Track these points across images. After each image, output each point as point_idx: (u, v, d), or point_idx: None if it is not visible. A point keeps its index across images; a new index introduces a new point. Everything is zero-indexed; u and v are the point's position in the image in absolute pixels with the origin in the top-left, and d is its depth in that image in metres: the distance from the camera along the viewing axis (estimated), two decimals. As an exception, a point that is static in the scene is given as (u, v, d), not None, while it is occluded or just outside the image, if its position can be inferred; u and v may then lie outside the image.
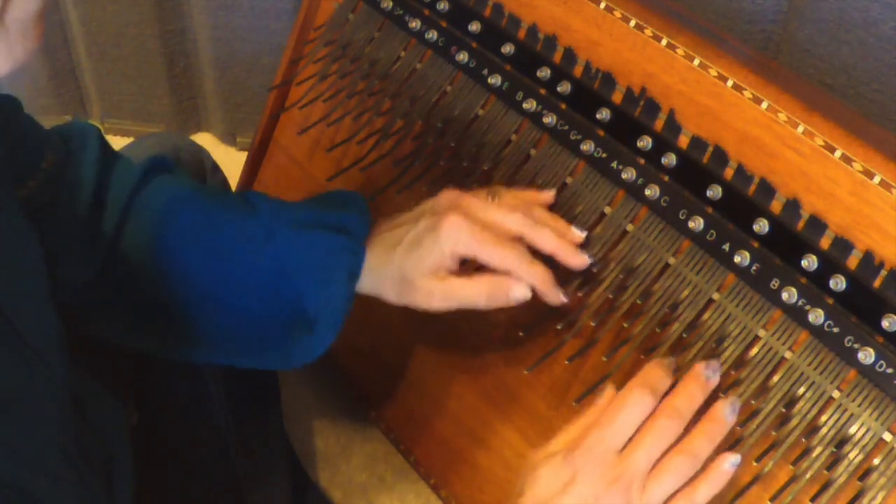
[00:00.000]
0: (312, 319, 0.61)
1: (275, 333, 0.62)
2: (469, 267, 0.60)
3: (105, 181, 0.62)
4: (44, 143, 0.61)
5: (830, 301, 0.52)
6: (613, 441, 0.52)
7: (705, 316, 0.56)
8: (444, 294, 0.58)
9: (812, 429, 0.52)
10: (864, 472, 0.50)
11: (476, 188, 0.67)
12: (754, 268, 0.55)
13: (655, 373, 0.54)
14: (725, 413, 0.52)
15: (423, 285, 0.58)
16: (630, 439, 0.52)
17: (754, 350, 0.54)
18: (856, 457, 0.50)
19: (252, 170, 0.88)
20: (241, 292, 0.62)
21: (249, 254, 0.61)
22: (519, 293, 0.58)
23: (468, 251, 0.58)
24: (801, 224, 0.54)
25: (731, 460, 0.51)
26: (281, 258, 0.61)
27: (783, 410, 0.52)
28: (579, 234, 0.60)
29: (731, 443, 0.53)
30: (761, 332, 0.54)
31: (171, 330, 0.63)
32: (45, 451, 0.46)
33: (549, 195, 0.63)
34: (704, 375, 0.53)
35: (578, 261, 0.59)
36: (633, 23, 0.62)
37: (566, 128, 0.63)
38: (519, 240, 0.59)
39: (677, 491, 0.51)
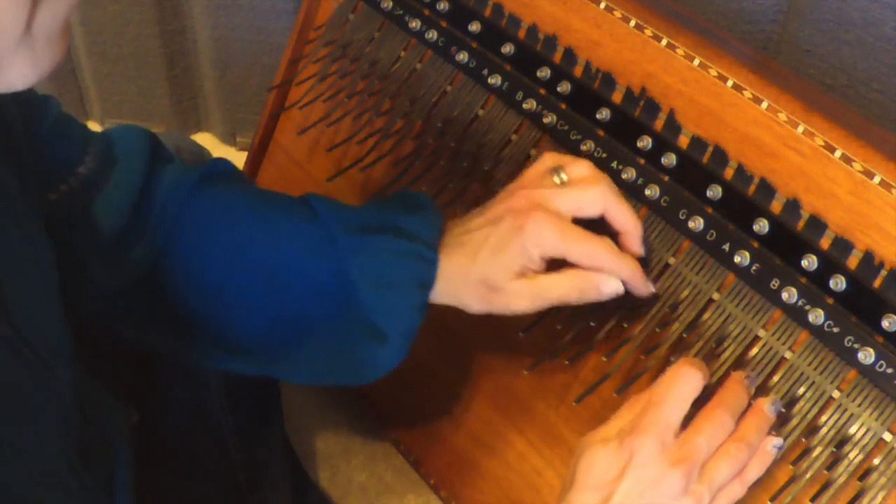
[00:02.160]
0: (381, 331, 0.58)
1: (340, 346, 0.60)
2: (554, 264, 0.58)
3: (153, 189, 0.60)
4: (82, 146, 0.59)
5: (830, 301, 0.52)
6: (671, 419, 0.51)
7: (705, 316, 0.56)
8: (533, 295, 0.56)
9: (812, 429, 0.52)
10: (864, 472, 0.50)
11: (476, 187, 0.67)
12: (754, 268, 0.55)
13: (695, 360, 0.54)
14: (768, 409, 0.52)
15: (511, 289, 0.56)
16: (684, 426, 0.51)
17: (754, 350, 0.54)
18: (856, 457, 0.50)
19: (252, 170, 0.88)
20: (302, 303, 0.59)
21: (309, 261, 0.59)
22: (611, 288, 0.56)
23: (556, 251, 0.56)
24: (801, 224, 0.54)
25: (774, 443, 0.51)
26: (343, 265, 0.58)
27: (783, 411, 0.52)
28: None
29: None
30: (761, 332, 0.54)
31: (223, 341, 0.61)
32: (50, 461, 0.46)
33: None
34: (745, 383, 0.53)
35: (638, 250, 0.58)
36: (633, 23, 0.62)
37: (566, 128, 0.63)
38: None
39: None
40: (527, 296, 0.56)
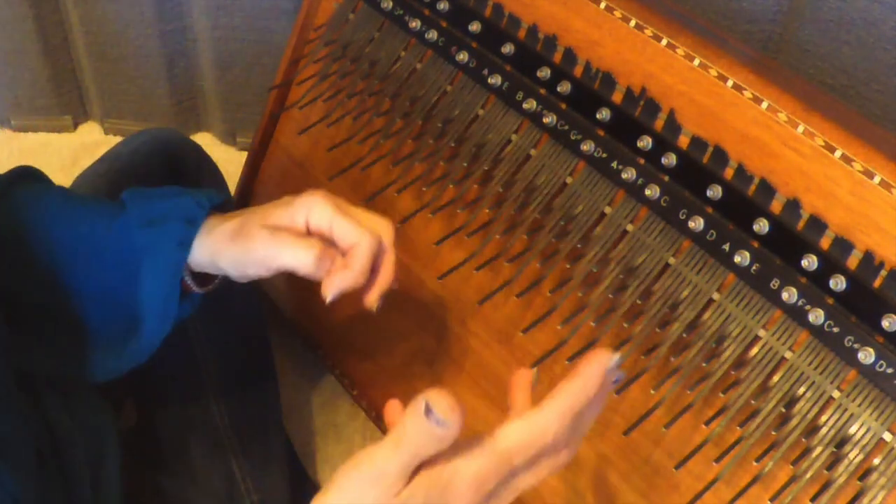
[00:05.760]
0: (143, 313, 0.59)
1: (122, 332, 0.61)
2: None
3: None
4: None
5: (830, 301, 0.52)
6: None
7: (705, 316, 0.56)
8: (267, 242, 0.56)
9: (812, 429, 0.52)
10: (864, 472, 0.50)
11: (476, 188, 0.67)
12: (754, 268, 0.55)
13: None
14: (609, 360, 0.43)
15: (256, 233, 0.56)
16: None
17: (754, 350, 0.54)
18: (856, 457, 0.50)
19: (252, 170, 0.88)
20: (111, 297, 0.60)
21: (110, 265, 0.60)
22: (330, 289, 0.55)
23: (321, 222, 0.56)
24: (801, 224, 0.54)
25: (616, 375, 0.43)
26: (134, 262, 0.59)
27: (783, 410, 0.52)
28: None
29: (731, 443, 0.54)
30: (761, 332, 0.54)
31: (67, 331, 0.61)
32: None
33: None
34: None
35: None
36: (633, 23, 0.62)
37: (566, 128, 0.63)
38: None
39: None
40: (260, 241, 0.56)
